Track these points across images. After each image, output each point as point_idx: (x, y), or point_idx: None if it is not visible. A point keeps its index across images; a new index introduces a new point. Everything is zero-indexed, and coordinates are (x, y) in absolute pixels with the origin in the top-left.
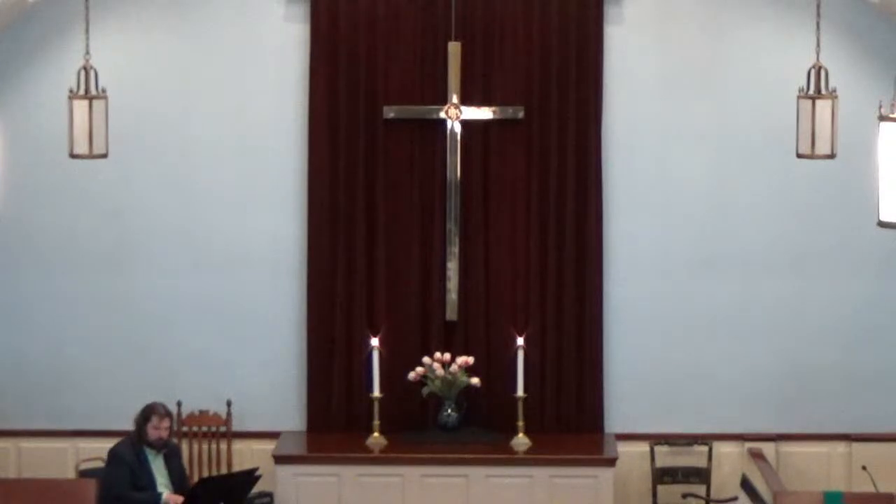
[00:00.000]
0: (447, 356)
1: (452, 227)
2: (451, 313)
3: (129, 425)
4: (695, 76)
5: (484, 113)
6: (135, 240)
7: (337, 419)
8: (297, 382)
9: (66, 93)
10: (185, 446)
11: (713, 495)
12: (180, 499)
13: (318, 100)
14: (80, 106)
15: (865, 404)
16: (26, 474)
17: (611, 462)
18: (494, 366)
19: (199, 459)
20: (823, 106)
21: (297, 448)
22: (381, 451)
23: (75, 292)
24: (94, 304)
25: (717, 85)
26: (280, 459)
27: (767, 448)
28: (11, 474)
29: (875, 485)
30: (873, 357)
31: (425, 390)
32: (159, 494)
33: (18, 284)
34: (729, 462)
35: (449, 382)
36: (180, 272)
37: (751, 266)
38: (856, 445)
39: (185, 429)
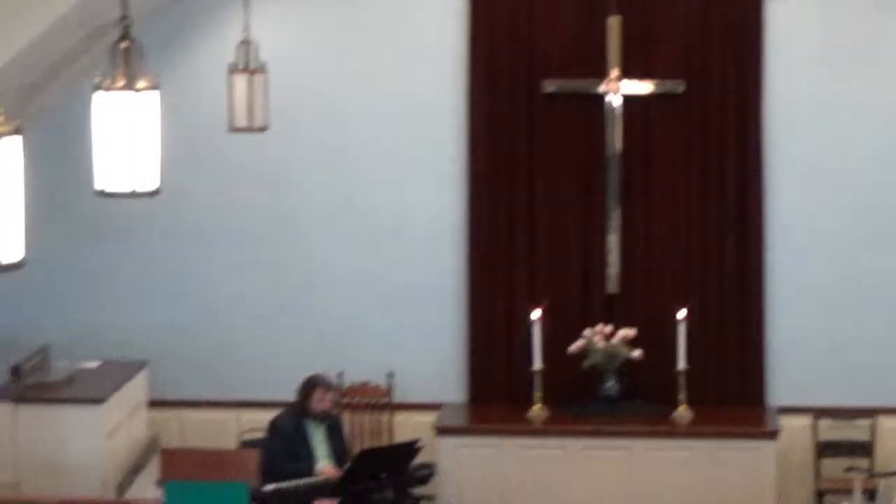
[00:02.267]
0: (608, 328)
1: (612, 201)
2: (612, 286)
3: (290, 397)
4: (858, 48)
5: (644, 87)
6: (295, 212)
7: (498, 391)
8: (458, 354)
9: (227, 67)
10: (346, 418)
11: (877, 470)
12: (334, 471)
13: (477, 73)
14: (241, 80)
15: None
16: (188, 444)
17: (773, 435)
18: (656, 338)
19: (360, 431)
20: None
21: (459, 420)
22: (543, 424)
23: (236, 265)
24: (254, 277)
25: (880, 57)
26: (441, 431)
27: None
28: (175, 443)
29: None
30: None
31: (586, 363)
32: (314, 465)
33: (179, 257)
34: (894, 437)
35: (610, 355)
36: (340, 245)
37: None
38: None
39: (346, 400)
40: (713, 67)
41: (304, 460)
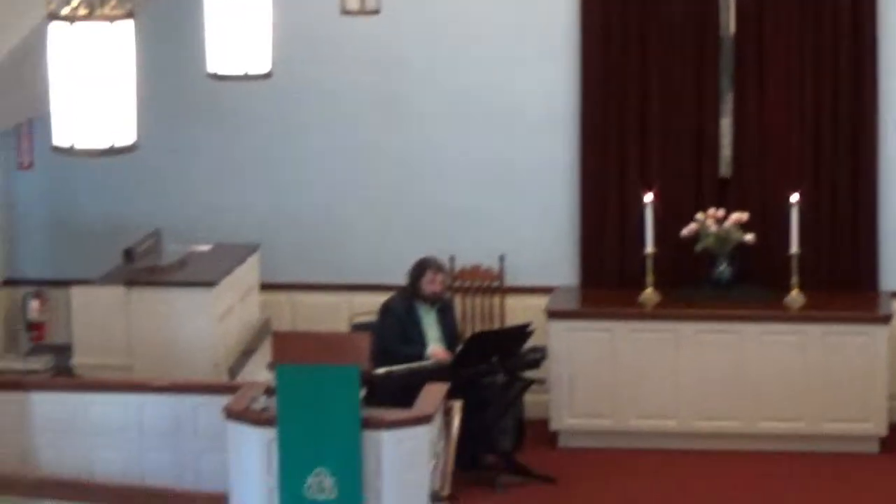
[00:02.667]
0: (721, 212)
1: (726, 84)
2: (725, 170)
3: (401, 280)
4: None
5: None
6: (408, 96)
7: (610, 275)
8: (570, 238)
9: None
10: (457, 301)
11: None
12: (445, 354)
13: None
14: None
15: None
16: (300, 327)
17: (886, 319)
18: (768, 222)
19: (471, 314)
20: None
21: (570, 303)
22: (654, 308)
23: (348, 149)
24: (367, 161)
25: None
26: (553, 314)
27: None
28: (286, 326)
29: None
30: None
31: (698, 246)
32: (424, 347)
33: (291, 141)
34: None
35: (722, 239)
36: (452, 128)
37: None
38: None
39: (457, 283)
40: None
41: (415, 343)
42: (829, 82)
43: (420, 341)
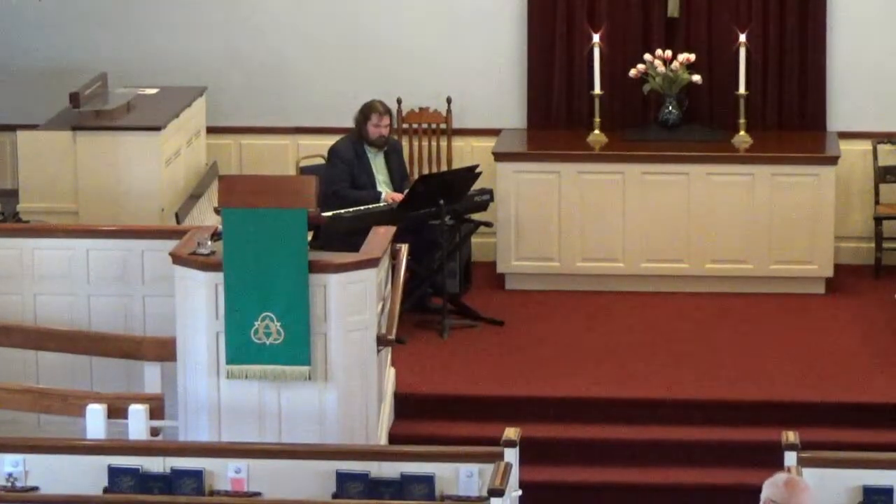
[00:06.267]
0: (668, 53)
1: None
2: (673, 9)
3: (349, 123)
4: None
5: None
6: None
7: (557, 116)
8: (517, 80)
9: None
10: (405, 144)
11: None
12: (399, 196)
13: None
14: None
15: None
16: (247, 171)
17: (833, 160)
18: (716, 63)
19: (419, 157)
20: None
21: (518, 145)
22: (602, 149)
23: None
24: (311, 3)
25: None
26: (500, 157)
27: None
28: (233, 170)
29: None
30: None
31: (646, 87)
32: (379, 193)
33: None
34: None
35: (670, 79)
36: None
37: None
38: None
39: (404, 126)
40: None
41: (365, 187)
42: None
43: (370, 184)
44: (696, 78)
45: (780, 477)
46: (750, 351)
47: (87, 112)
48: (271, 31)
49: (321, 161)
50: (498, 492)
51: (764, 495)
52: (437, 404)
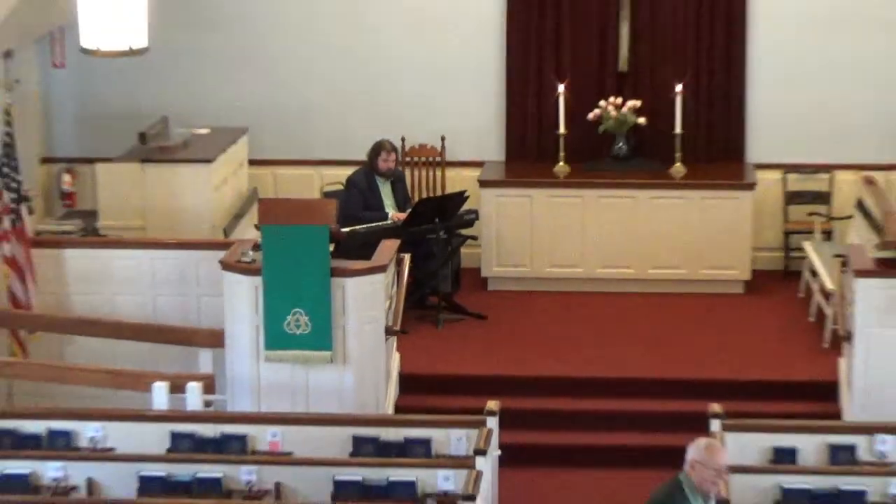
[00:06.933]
0: (619, 100)
1: None
2: (623, 65)
3: (362, 157)
4: None
5: None
6: (369, 10)
7: (530, 151)
8: (497, 121)
9: None
10: (407, 173)
11: (833, 214)
12: (403, 216)
13: None
14: None
15: None
16: (281, 195)
17: (750, 186)
18: (657, 108)
19: (419, 184)
20: None
21: (498, 174)
22: (565, 177)
23: (321, 50)
24: (336, 61)
25: None
26: (484, 183)
27: (879, 176)
28: (270, 195)
29: None
30: None
31: (601, 128)
32: (387, 213)
33: (276, 45)
34: (847, 187)
35: (621, 121)
36: (402, 33)
37: (868, 28)
38: None
39: (407, 159)
40: None
41: (375, 209)
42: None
43: (379, 207)
44: (642, 120)
45: (701, 441)
46: (684, 339)
47: (153, 148)
48: (300, 82)
49: (340, 187)
50: (482, 451)
51: (689, 456)
52: (433, 382)
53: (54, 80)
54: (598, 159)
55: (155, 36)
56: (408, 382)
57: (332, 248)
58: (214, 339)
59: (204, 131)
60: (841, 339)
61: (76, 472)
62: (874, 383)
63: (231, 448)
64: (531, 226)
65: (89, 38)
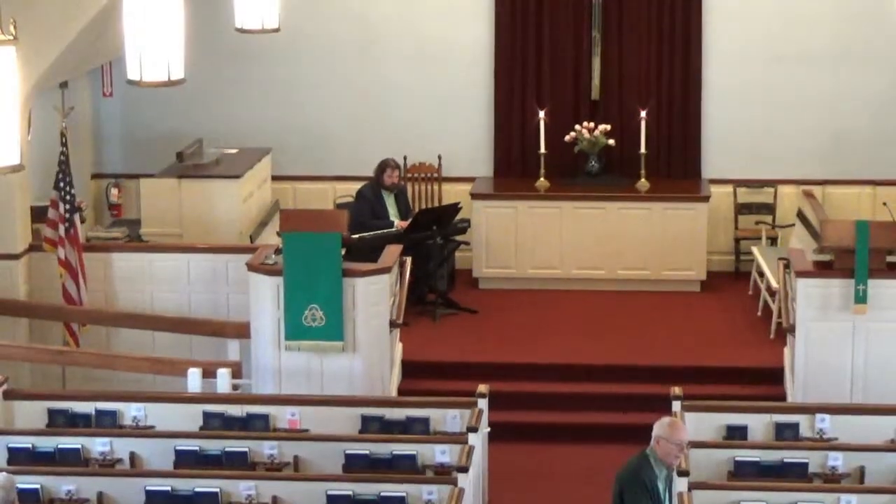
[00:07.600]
0: (592, 124)
1: (597, 35)
2: (595, 94)
3: (370, 173)
4: None
5: None
6: (375, 44)
7: (515, 168)
8: (487, 142)
9: None
10: (409, 187)
11: (777, 223)
12: (405, 224)
13: None
14: None
15: (887, 158)
16: (300, 206)
17: (706, 199)
18: (625, 131)
19: (419, 196)
20: None
21: (487, 188)
22: (546, 191)
23: (335, 80)
24: (348, 89)
25: None
26: (475, 196)
27: (817, 190)
28: (290, 206)
29: (892, 215)
30: (894, 124)
31: (576, 148)
32: (391, 222)
33: (295, 75)
34: (789, 200)
35: (593, 143)
36: (404, 65)
37: (807, 61)
38: (879, 188)
39: (409, 175)
40: None
41: (381, 218)
42: (668, 37)
43: (384, 216)
44: (611, 141)
45: (665, 419)
46: (649, 331)
47: (189, 165)
48: (316, 108)
49: (351, 199)
50: (473, 429)
51: (654, 433)
52: (431, 368)
53: (104, 107)
54: (574, 175)
55: (191, 68)
56: (409, 368)
57: (343, 252)
58: (241, 330)
59: (233, 151)
60: (785, 331)
61: (120, 447)
62: (814, 369)
63: (255, 426)
64: (516, 233)
65: (134, 70)
